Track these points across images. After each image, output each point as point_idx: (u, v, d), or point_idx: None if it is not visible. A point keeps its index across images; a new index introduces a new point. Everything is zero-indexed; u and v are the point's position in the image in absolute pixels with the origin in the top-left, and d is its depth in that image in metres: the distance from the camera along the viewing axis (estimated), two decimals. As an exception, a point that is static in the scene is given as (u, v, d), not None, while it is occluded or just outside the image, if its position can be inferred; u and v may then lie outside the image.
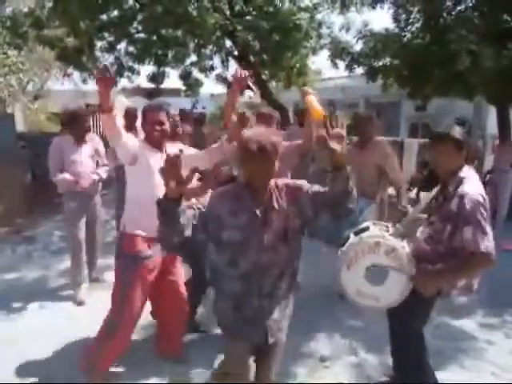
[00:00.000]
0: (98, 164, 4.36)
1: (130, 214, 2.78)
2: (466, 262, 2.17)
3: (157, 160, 2.62)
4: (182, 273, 3.00)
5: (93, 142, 4.33)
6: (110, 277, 4.57)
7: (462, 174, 2.25)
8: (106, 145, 5.46)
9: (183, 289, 2.95)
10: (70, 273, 4.27)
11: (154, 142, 2.69)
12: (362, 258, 2.26)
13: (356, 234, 2.36)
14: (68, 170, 4.02)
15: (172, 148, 2.77)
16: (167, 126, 2.70)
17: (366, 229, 2.39)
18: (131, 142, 2.64)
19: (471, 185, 2.20)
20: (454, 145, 2.24)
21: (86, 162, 4.14)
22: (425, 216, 2.45)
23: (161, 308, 3.02)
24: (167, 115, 2.72)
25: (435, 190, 2.45)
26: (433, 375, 2.53)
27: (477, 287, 2.44)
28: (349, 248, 2.27)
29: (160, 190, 2.55)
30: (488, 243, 2.10)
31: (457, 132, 2.25)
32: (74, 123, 4.09)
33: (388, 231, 2.39)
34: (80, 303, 4.07)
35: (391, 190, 3.94)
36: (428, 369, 2.52)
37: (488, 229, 2.12)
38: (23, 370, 2.98)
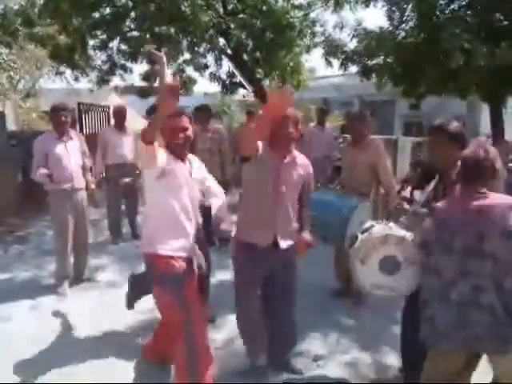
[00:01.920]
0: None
1: (160, 233, 2.50)
2: None
3: (182, 171, 2.48)
4: None
5: (79, 138, 4.33)
6: (102, 277, 4.56)
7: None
8: (92, 145, 5.46)
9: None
10: (56, 266, 4.28)
11: (177, 150, 2.48)
12: (375, 251, 2.39)
13: (363, 232, 2.50)
14: (52, 165, 4.02)
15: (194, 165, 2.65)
16: (191, 132, 2.51)
17: (372, 227, 2.52)
18: (161, 153, 2.40)
19: None
20: (448, 135, 2.35)
21: (70, 156, 4.14)
22: (425, 210, 2.52)
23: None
24: (190, 120, 2.52)
25: (433, 182, 2.55)
26: None
27: None
28: (361, 244, 2.40)
29: (189, 204, 2.48)
30: None
31: (452, 124, 2.35)
32: (52, 117, 4.11)
33: (392, 226, 2.53)
34: (62, 296, 4.10)
35: (382, 190, 3.93)
36: None
37: None
38: (16, 370, 2.94)
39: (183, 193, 2.48)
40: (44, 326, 3.54)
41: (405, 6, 7.79)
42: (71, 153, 4.15)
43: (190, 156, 2.66)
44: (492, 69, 6.33)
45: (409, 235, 2.41)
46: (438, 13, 7.43)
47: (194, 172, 2.60)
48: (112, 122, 6.18)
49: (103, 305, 3.93)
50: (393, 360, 3.06)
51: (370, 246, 2.39)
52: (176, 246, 2.47)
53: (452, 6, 7.64)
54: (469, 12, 7.31)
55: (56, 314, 3.78)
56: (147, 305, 3.52)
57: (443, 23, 6.87)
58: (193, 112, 5.54)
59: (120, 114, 5.65)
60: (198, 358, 2.39)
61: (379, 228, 2.47)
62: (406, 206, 2.79)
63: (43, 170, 3.91)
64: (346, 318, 3.73)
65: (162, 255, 2.46)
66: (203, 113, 5.42)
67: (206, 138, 5.29)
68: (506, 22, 6.82)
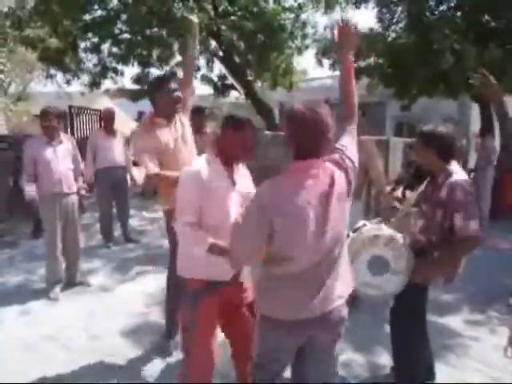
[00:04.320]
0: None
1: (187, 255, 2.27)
2: (459, 245, 2.35)
3: (224, 181, 2.21)
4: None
5: (71, 143, 4.31)
6: (95, 281, 4.53)
7: (450, 167, 2.42)
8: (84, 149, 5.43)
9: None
10: (46, 270, 4.25)
11: (231, 161, 2.25)
12: (364, 250, 2.42)
13: (354, 231, 2.52)
14: (41, 169, 4.02)
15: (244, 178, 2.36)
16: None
17: (363, 226, 2.54)
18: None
19: (459, 175, 2.38)
20: (422, 140, 2.46)
21: (59, 160, 4.11)
22: (416, 209, 2.60)
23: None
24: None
25: (424, 184, 2.61)
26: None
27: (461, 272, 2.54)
28: (351, 243, 2.41)
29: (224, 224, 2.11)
30: (476, 226, 2.28)
31: (429, 129, 2.43)
32: (41, 121, 4.10)
33: (382, 226, 2.56)
34: (54, 300, 4.07)
35: (373, 191, 3.95)
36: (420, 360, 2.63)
37: (475, 213, 2.31)
38: (6, 375, 2.90)
39: (219, 210, 2.18)
40: (35, 331, 3.51)
41: (395, 7, 7.86)
42: (60, 157, 4.12)
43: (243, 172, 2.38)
44: (480, 69, 6.40)
45: (399, 236, 2.43)
46: (427, 14, 7.51)
47: (239, 182, 2.29)
48: (101, 125, 6.16)
49: (95, 309, 3.90)
50: (386, 360, 3.07)
51: (359, 245, 2.41)
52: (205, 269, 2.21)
53: (441, 8, 7.72)
54: (458, 13, 7.39)
55: (47, 318, 3.75)
56: (139, 308, 3.51)
57: (433, 24, 6.94)
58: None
59: (108, 118, 5.63)
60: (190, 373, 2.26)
61: (369, 228, 2.49)
62: (397, 204, 2.83)
63: (31, 190, 4.01)
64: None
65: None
66: (199, 115, 5.29)
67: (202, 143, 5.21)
68: (493, 24, 6.89)
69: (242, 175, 2.37)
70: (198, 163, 2.22)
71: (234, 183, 2.25)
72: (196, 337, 2.22)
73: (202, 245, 2.08)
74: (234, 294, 2.31)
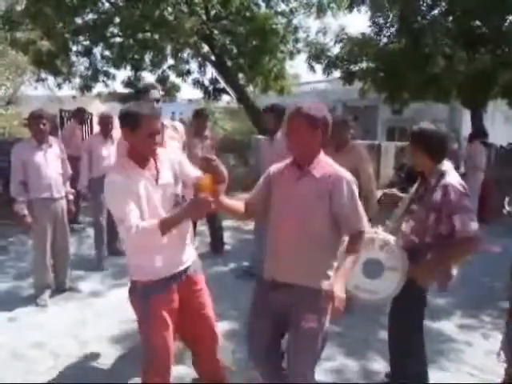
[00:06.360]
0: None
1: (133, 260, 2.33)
2: (459, 247, 2.31)
3: (143, 182, 2.12)
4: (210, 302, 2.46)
5: (59, 146, 4.25)
6: (85, 287, 4.47)
7: (442, 167, 2.39)
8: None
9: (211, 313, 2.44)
10: (35, 276, 4.19)
11: (144, 158, 2.15)
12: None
13: None
14: (30, 173, 3.96)
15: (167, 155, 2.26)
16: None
17: None
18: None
19: (452, 176, 2.34)
20: (412, 140, 2.45)
21: (49, 164, 4.05)
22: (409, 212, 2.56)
23: (192, 338, 2.46)
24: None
25: (416, 185, 2.59)
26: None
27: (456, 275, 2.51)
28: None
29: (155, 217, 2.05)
30: (475, 227, 2.24)
31: (416, 128, 2.43)
32: (30, 124, 4.03)
33: (378, 230, 2.55)
34: (42, 306, 4.00)
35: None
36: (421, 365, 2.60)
37: (473, 214, 2.28)
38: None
39: (145, 213, 2.10)
40: (23, 338, 3.45)
41: (389, 10, 7.88)
42: (50, 161, 4.06)
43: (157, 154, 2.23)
44: (471, 74, 6.45)
45: (393, 238, 2.42)
46: (419, 18, 7.55)
47: (162, 176, 2.20)
48: (97, 130, 6.01)
49: (85, 315, 3.85)
50: (379, 365, 3.05)
51: None
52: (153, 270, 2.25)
53: (433, 12, 7.77)
54: (449, 18, 7.45)
55: (35, 325, 3.68)
56: (129, 315, 3.43)
57: (425, 28, 6.98)
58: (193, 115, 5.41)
59: (105, 123, 5.40)
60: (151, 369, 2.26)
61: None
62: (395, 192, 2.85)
63: (22, 207, 3.90)
64: (331, 324, 3.70)
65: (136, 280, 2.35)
66: (203, 118, 5.27)
67: (203, 145, 5.19)
68: (483, 30, 6.94)
69: (168, 161, 2.25)
70: (112, 172, 2.12)
71: (156, 179, 2.15)
72: (150, 333, 2.23)
73: (157, 234, 2.00)
74: (186, 290, 2.31)
